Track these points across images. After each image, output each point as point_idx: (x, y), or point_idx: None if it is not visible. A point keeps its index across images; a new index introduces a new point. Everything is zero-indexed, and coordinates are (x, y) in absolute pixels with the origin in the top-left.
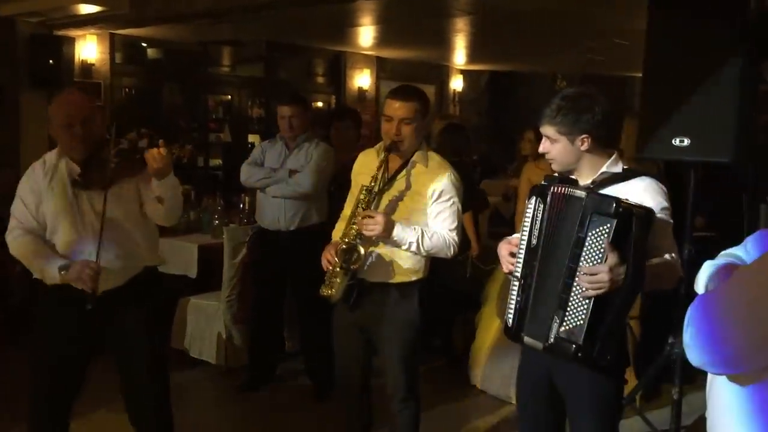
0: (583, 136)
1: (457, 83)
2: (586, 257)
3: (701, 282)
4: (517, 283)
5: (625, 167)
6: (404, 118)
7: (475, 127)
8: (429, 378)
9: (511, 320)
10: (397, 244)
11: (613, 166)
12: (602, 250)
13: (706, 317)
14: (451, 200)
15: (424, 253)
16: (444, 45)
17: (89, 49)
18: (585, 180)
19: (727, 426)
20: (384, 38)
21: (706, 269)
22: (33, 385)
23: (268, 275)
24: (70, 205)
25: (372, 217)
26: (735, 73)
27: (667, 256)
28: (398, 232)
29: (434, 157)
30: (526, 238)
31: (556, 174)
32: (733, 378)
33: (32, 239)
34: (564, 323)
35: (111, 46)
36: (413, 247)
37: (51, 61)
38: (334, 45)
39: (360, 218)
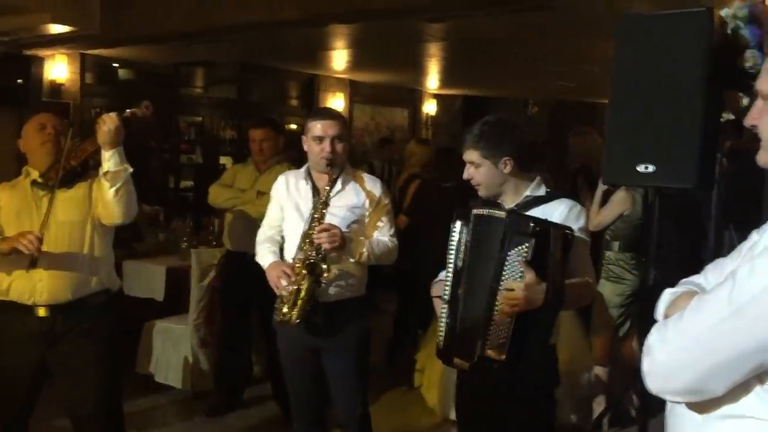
0: (506, 158)
1: (430, 107)
2: (507, 276)
3: (660, 309)
4: (445, 306)
5: (548, 190)
6: (336, 135)
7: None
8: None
9: (441, 343)
10: (350, 255)
11: (536, 189)
12: (522, 269)
13: (663, 345)
14: (387, 208)
15: (373, 261)
16: (417, 69)
17: (59, 68)
18: (510, 204)
19: None
20: (357, 62)
21: (666, 297)
22: None
23: (235, 299)
24: (28, 205)
25: (328, 230)
26: (699, 100)
27: (585, 277)
28: (350, 244)
29: (358, 172)
30: (452, 261)
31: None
32: (691, 406)
33: None
34: (487, 341)
35: (81, 66)
36: (365, 257)
37: (19, 81)
38: (308, 68)
39: (317, 232)
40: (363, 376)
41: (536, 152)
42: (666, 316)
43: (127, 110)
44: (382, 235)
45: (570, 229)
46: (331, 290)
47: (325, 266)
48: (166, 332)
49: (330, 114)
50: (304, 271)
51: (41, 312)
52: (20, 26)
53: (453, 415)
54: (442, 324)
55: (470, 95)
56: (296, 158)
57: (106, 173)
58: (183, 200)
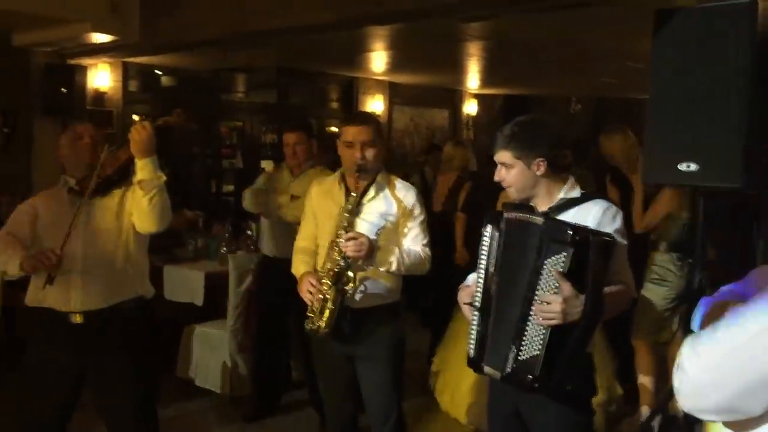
0: (539, 159)
1: (470, 107)
2: (543, 286)
3: (696, 319)
4: (477, 313)
5: (582, 192)
6: (366, 141)
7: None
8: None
9: (472, 351)
10: (378, 265)
11: (570, 191)
12: (557, 281)
13: (695, 360)
14: (421, 216)
15: (404, 271)
16: (457, 69)
17: (102, 77)
18: (542, 207)
19: None
20: (396, 63)
21: (702, 306)
22: (24, 411)
23: (272, 304)
24: (63, 213)
25: (356, 239)
26: (743, 96)
27: (623, 281)
28: (380, 253)
29: (395, 178)
30: (483, 266)
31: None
32: (728, 425)
33: (6, 236)
34: (520, 353)
35: (124, 74)
36: (394, 267)
37: (64, 90)
38: (347, 71)
39: (344, 240)
40: (396, 383)
41: (580, 150)
42: (701, 328)
43: (160, 119)
44: (415, 244)
45: (610, 235)
46: (362, 298)
47: (351, 274)
48: (205, 337)
49: (362, 119)
50: (330, 282)
51: (77, 319)
52: (62, 36)
53: (484, 426)
54: (473, 332)
55: (511, 94)
56: (332, 162)
57: (140, 182)
58: (225, 205)
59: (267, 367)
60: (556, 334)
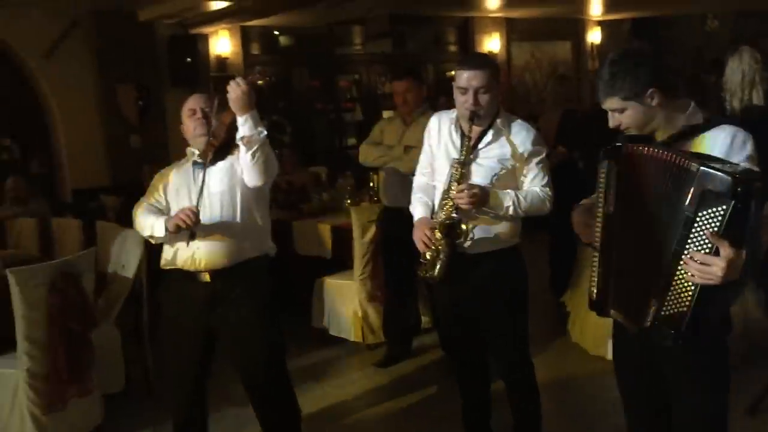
0: (650, 90)
1: (595, 36)
2: (696, 241)
3: None
4: (597, 254)
5: (705, 117)
6: (480, 87)
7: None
8: None
9: (595, 293)
10: (494, 212)
11: (692, 117)
12: (710, 241)
13: None
14: (539, 158)
15: (522, 214)
16: None
17: (223, 43)
18: (663, 137)
19: None
20: None
21: None
22: (167, 369)
23: (397, 253)
24: (187, 183)
25: (468, 189)
26: None
27: None
28: (493, 198)
29: (515, 120)
30: (601, 205)
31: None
32: None
33: (148, 206)
34: (664, 308)
35: (243, 38)
36: (511, 211)
37: (188, 60)
38: (462, 11)
39: (456, 192)
40: (520, 325)
41: (719, 68)
42: None
43: (248, 77)
44: (533, 185)
45: (759, 174)
46: (480, 243)
47: (464, 227)
48: (335, 288)
49: (475, 63)
50: (442, 233)
51: (205, 277)
52: (183, 6)
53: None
54: (595, 273)
55: (639, 17)
56: (446, 106)
57: (242, 138)
58: (348, 158)
59: (396, 314)
60: (706, 293)
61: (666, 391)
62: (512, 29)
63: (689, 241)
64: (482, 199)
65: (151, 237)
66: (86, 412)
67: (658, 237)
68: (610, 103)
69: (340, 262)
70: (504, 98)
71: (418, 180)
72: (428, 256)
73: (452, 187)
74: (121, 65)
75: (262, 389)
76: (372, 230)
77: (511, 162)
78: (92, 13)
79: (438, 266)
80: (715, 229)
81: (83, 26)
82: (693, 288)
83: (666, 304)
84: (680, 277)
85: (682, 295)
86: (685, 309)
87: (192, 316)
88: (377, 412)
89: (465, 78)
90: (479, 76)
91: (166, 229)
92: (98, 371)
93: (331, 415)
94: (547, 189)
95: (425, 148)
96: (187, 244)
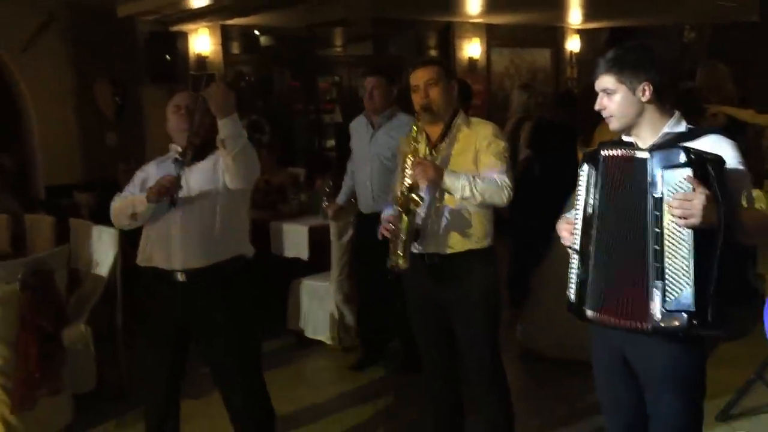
0: (644, 84)
1: (573, 44)
2: (670, 217)
3: None
4: (576, 256)
5: (689, 126)
6: (428, 80)
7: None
8: None
9: (573, 296)
10: (450, 190)
11: (675, 125)
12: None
13: None
14: (498, 148)
15: (479, 197)
16: (557, 4)
17: (202, 41)
18: (645, 143)
19: None
20: (493, 4)
21: None
22: (143, 365)
23: (370, 255)
24: None
25: (419, 163)
26: None
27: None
28: (448, 177)
29: (475, 119)
30: (580, 207)
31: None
32: None
33: (124, 197)
34: (667, 294)
35: (223, 37)
36: (467, 191)
37: (168, 57)
38: (443, 15)
39: (410, 171)
40: (490, 330)
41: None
42: None
43: (226, 79)
44: (491, 173)
45: (720, 156)
46: (450, 242)
47: (415, 197)
48: (312, 290)
49: (424, 62)
50: (401, 210)
51: (181, 277)
52: (163, 3)
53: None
54: (573, 276)
55: (617, 26)
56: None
57: (222, 141)
58: (326, 160)
59: (371, 316)
60: (700, 259)
61: (641, 392)
62: (492, 35)
63: (664, 218)
64: (437, 173)
65: (134, 216)
66: (56, 411)
67: (637, 231)
68: (605, 81)
69: (318, 264)
70: (483, 103)
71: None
72: (392, 243)
73: (407, 166)
74: (99, 61)
75: (236, 391)
76: (350, 231)
77: (470, 155)
78: (70, 7)
79: (401, 248)
80: (683, 189)
81: (60, 20)
82: (687, 262)
83: (668, 289)
84: (670, 255)
85: (679, 272)
86: (687, 285)
87: (166, 314)
88: (352, 414)
89: (415, 77)
90: (427, 70)
91: (148, 200)
92: (69, 370)
93: (306, 418)
94: (505, 178)
95: (400, 162)
96: (167, 210)
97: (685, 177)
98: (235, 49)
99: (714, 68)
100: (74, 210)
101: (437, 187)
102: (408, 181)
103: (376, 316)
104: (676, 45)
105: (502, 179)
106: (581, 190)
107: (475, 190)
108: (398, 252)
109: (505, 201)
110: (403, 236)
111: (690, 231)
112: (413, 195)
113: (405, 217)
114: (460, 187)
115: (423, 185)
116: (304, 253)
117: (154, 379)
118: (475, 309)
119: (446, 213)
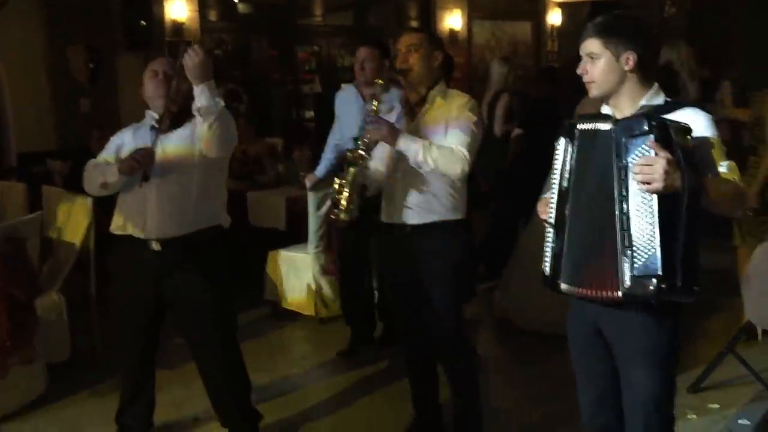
0: (629, 53)
1: (555, 17)
2: (636, 182)
3: None
4: (551, 230)
5: (667, 99)
6: (410, 45)
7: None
8: None
9: (548, 269)
10: (404, 153)
11: (653, 98)
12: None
13: None
14: (466, 120)
15: (431, 164)
16: None
17: (179, 7)
18: (622, 115)
19: None
20: None
21: None
22: (116, 337)
23: (349, 232)
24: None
25: (375, 122)
26: None
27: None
28: (404, 138)
29: (454, 90)
30: (556, 181)
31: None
32: None
33: (97, 162)
34: (635, 259)
35: (200, 3)
36: (420, 156)
37: (143, 23)
38: None
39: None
40: (453, 301)
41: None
42: None
43: (204, 46)
44: (451, 143)
45: (686, 124)
46: (413, 212)
47: (361, 151)
48: (289, 261)
49: (409, 29)
50: (350, 168)
51: (156, 246)
52: None
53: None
54: (548, 249)
55: (599, 0)
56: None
57: (198, 109)
58: (305, 130)
59: (351, 289)
60: (665, 222)
61: (614, 364)
62: (474, 7)
63: (629, 185)
64: (391, 133)
65: (105, 185)
66: (29, 380)
67: (608, 201)
68: (590, 45)
69: (295, 235)
70: (464, 75)
71: None
72: (337, 196)
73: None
74: (72, 25)
75: (212, 361)
76: (328, 203)
77: (442, 127)
78: None
79: (343, 199)
80: (650, 143)
81: None
82: (651, 225)
83: (636, 255)
84: (636, 220)
85: (644, 237)
86: (653, 250)
87: (141, 283)
88: (328, 385)
89: (399, 41)
90: (411, 36)
91: (120, 172)
92: (42, 340)
93: (283, 388)
94: (464, 149)
95: None
96: (140, 185)
97: (648, 143)
98: (213, 16)
99: (678, 47)
100: (47, 177)
101: (391, 146)
102: (365, 138)
103: (357, 288)
104: (656, 19)
105: (460, 150)
106: (557, 164)
107: (428, 156)
108: (341, 204)
109: (459, 173)
110: (347, 190)
111: (654, 196)
112: (360, 151)
113: (351, 170)
114: (413, 151)
115: (374, 141)
116: (281, 224)
117: (128, 349)
118: (438, 282)
119: (415, 184)
